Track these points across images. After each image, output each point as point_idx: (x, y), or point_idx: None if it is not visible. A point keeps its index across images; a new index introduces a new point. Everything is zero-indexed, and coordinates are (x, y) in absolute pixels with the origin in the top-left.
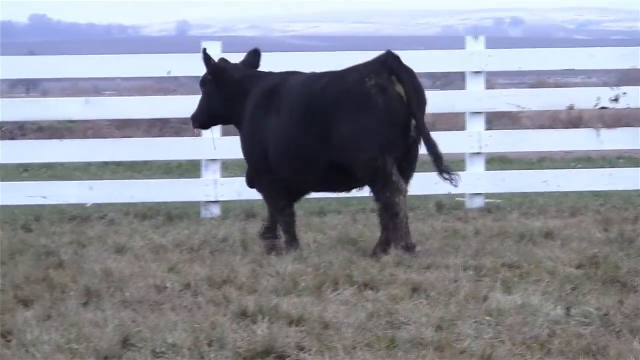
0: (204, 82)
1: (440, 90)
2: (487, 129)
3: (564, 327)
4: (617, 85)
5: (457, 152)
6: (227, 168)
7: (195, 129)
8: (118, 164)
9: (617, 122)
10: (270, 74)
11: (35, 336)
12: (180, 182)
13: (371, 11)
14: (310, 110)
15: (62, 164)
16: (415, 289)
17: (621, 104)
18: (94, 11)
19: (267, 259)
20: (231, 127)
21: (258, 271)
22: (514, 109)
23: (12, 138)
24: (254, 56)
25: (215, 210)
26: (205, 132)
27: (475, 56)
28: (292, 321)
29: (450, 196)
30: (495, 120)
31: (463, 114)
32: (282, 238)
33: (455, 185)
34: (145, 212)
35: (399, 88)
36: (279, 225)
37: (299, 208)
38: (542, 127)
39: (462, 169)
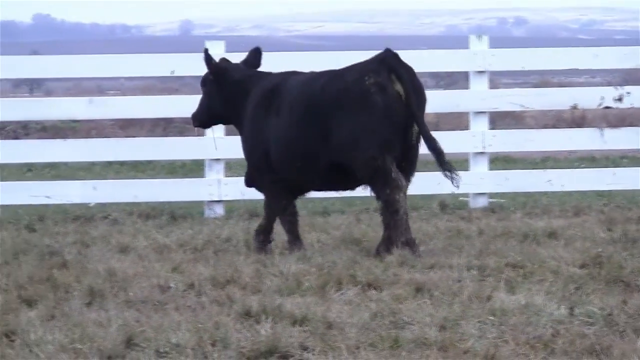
0: (204, 81)
1: (444, 89)
2: (490, 129)
3: (568, 327)
4: (621, 85)
5: (460, 152)
6: (231, 168)
7: (196, 129)
8: (122, 163)
9: (621, 121)
10: (270, 74)
11: (39, 336)
12: (184, 182)
13: (375, 11)
14: (310, 109)
15: (65, 164)
16: (419, 289)
17: (625, 104)
18: (97, 11)
19: (271, 259)
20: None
21: (262, 271)
22: (517, 108)
23: (16, 138)
24: (255, 55)
25: (219, 210)
26: (209, 132)
27: (479, 56)
28: (295, 321)
29: (454, 196)
30: (499, 120)
31: (467, 113)
32: (273, 241)
33: (457, 186)
34: (149, 212)
35: (398, 87)
36: (282, 225)
37: (302, 208)
38: (545, 126)
39: (466, 168)
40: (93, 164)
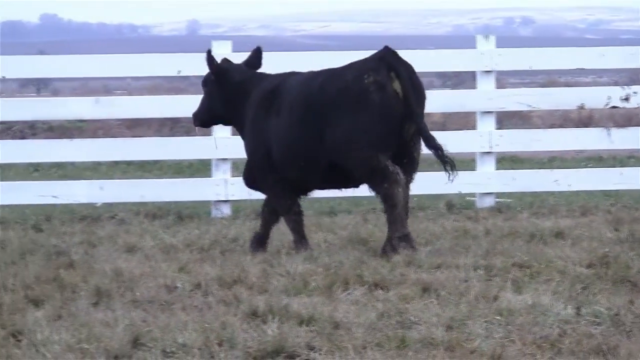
0: (206, 82)
1: (451, 89)
2: (497, 129)
3: (575, 326)
4: (628, 84)
5: (467, 152)
6: (238, 168)
7: (197, 128)
8: (128, 163)
9: (628, 121)
10: (271, 75)
11: (46, 336)
12: (191, 182)
13: (381, 11)
14: (310, 108)
15: (72, 164)
16: (425, 289)
17: (632, 104)
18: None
19: (278, 259)
20: None
21: (268, 271)
22: (524, 108)
23: (23, 137)
24: (256, 55)
25: (226, 210)
26: (214, 132)
27: (485, 56)
28: (302, 321)
29: (461, 196)
30: (506, 119)
31: (474, 113)
32: (267, 249)
33: (451, 180)
34: (156, 212)
35: (397, 85)
36: (287, 225)
37: (308, 208)
38: (552, 126)
39: (473, 168)
40: (100, 163)
